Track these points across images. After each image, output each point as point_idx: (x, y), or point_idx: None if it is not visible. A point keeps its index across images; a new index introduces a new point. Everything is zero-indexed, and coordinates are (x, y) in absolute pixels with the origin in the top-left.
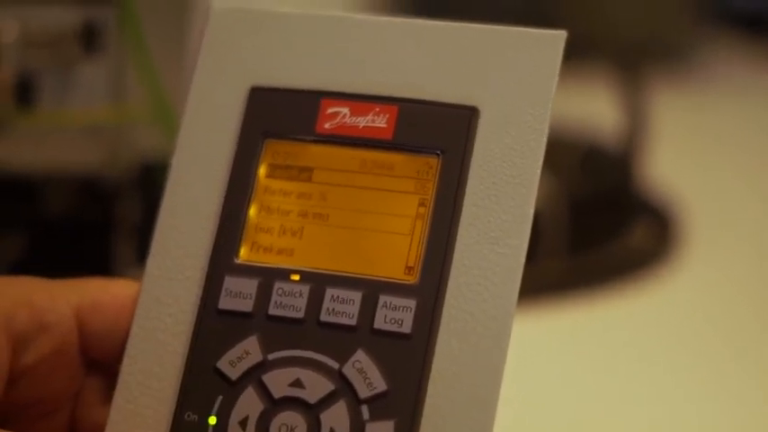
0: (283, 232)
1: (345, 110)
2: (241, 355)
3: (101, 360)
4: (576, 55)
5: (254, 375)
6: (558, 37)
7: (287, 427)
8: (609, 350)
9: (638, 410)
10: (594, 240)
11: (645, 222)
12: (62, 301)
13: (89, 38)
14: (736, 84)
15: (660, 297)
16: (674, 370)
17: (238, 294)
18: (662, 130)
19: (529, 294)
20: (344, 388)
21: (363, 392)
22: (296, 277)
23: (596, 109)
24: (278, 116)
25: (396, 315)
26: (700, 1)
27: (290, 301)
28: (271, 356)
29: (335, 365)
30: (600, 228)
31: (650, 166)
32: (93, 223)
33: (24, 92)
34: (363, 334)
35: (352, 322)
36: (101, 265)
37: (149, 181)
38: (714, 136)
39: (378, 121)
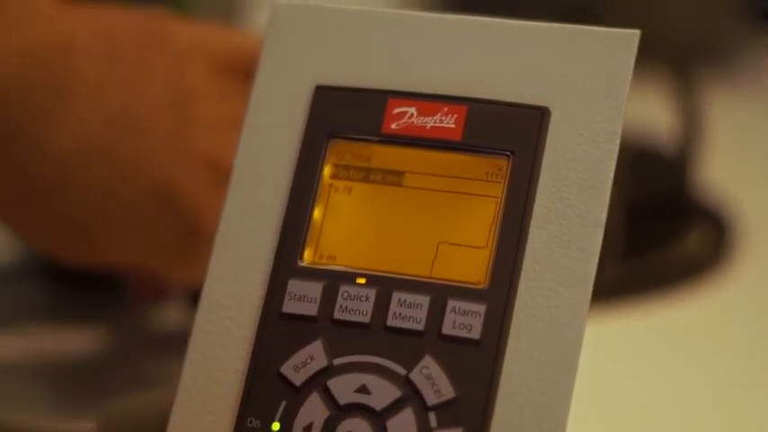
0: (348, 234)
1: (413, 110)
2: (306, 360)
3: None
4: None
5: (318, 381)
6: (632, 36)
7: None
8: (663, 357)
9: (693, 418)
10: (648, 246)
11: (700, 228)
12: None
13: None
14: None
15: (715, 304)
16: (729, 378)
17: (303, 298)
18: (717, 133)
19: None
20: (411, 394)
21: (431, 399)
22: (362, 281)
23: (650, 111)
24: (343, 116)
25: (465, 320)
26: (752, 3)
27: (355, 305)
28: (336, 361)
29: (402, 371)
30: (654, 233)
31: (705, 170)
32: None
33: None
34: (431, 339)
35: (420, 327)
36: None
37: None
38: None
39: (446, 122)
